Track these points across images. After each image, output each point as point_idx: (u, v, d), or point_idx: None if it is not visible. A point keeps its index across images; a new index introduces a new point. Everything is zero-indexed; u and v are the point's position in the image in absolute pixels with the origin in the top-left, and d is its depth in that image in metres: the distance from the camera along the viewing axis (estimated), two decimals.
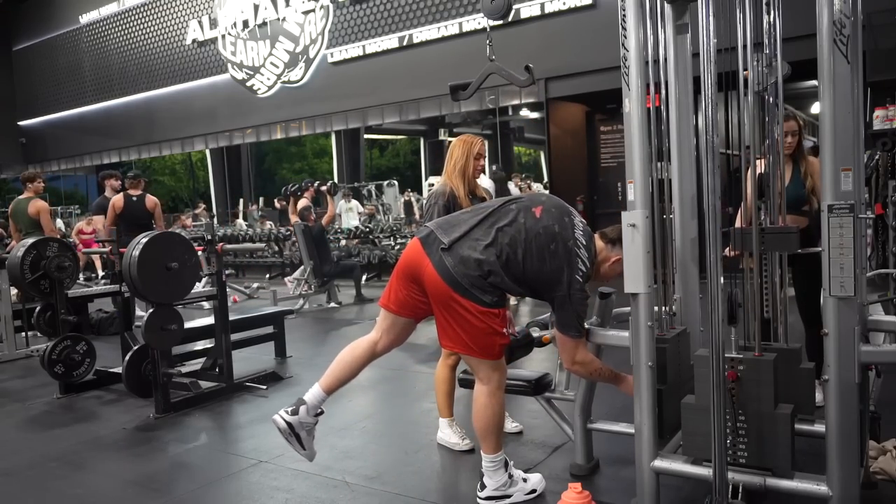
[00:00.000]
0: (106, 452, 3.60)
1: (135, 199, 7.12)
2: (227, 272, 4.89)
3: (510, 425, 3.51)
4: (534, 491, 2.74)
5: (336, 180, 14.83)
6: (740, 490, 2.24)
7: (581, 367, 2.61)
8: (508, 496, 2.68)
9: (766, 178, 2.64)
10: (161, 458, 3.48)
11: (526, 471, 2.84)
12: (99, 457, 3.54)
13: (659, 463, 2.40)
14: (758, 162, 2.65)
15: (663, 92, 2.81)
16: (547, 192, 2.67)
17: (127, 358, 4.35)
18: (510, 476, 2.70)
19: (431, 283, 2.51)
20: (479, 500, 2.69)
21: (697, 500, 2.45)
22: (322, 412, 2.72)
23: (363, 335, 2.75)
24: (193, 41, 13.94)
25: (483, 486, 2.69)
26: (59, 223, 16.33)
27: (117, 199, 7.11)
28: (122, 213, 7.03)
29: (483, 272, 2.48)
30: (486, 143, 3.52)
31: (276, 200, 14.08)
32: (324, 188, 8.40)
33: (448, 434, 3.36)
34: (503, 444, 2.71)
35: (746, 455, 2.29)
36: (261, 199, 15.51)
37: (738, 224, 3.24)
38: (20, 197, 7.02)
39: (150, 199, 7.24)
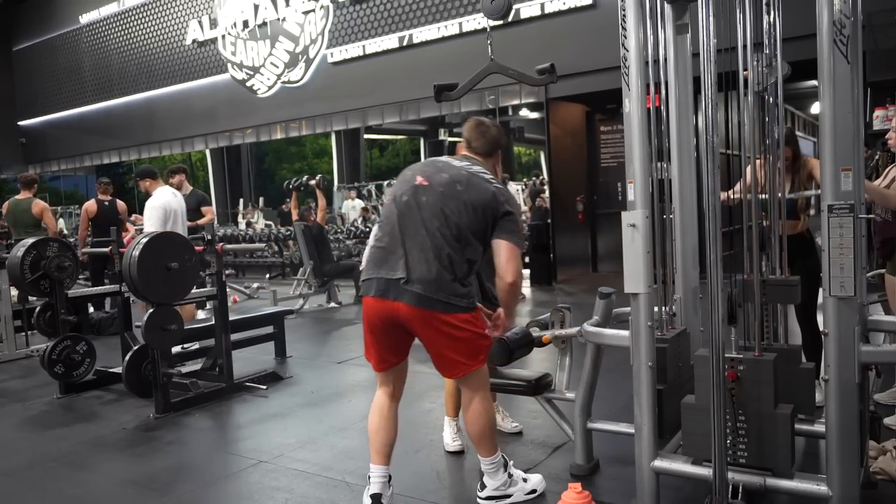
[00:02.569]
0: (106, 452, 3.60)
1: (107, 203, 7.33)
2: (226, 272, 4.89)
3: (510, 425, 3.51)
4: (534, 491, 2.73)
5: (336, 180, 14.87)
6: (740, 490, 2.24)
7: (519, 279, 2.59)
8: (508, 496, 2.68)
9: (766, 232, 2.67)
10: (161, 458, 3.48)
11: (526, 471, 2.84)
12: (99, 457, 3.54)
13: (659, 463, 2.40)
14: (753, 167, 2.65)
15: (663, 92, 2.82)
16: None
17: (127, 358, 4.35)
18: (510, 476, 2.70)
19: (414, 318, 2.46)
20: (479, 499, 2.69)
21: (697, 500, 2.45)
22: (390, 477, 2.64)
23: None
24: (193, 41, 13.93)
25: (483, 487, 2.69)
26: (62, 223, 16.35)
27: (90, 205, 7.32)
28: (95, 218, 7.23)
29: (446, 265, 2.44)
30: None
31: (283, 206, 13.93)
32: (312, 182, 8.41)
33: (445, 432, 3.36)
34: (499, 445, 2.70)
35: (746, 455, 2.29)
36: (261, 199, 15.49)
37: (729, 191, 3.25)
38: (17, 198, 7.04)
39: (121, 204, 7.52)
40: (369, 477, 2.60)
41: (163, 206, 5.52)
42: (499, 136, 2.75)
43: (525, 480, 2.74)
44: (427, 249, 2.46)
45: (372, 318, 2.55)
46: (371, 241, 2.65)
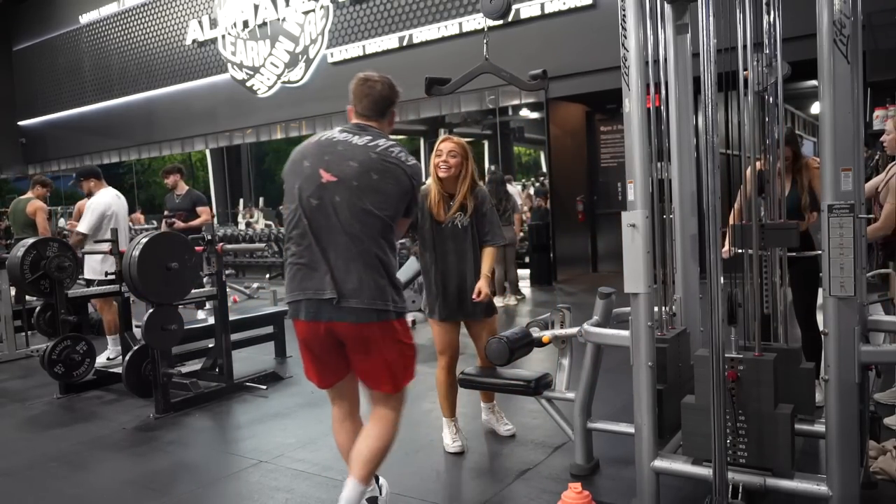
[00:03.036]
0: (106, 452, 3.60)
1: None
2: (226, 272, 4.89)
3: (503, 428, 3.49)
4: None
5: None
6: (740, 490, 2.24)
7: None
8: None
9: (766, 176, 2.66)
10: (161, 458, 3.48)
11: (523, 472, 2.82)
12: (99, 457, 3.54)
13: (659, 463, 2.40)
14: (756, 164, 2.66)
15: (663, 92, 2.82)
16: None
17: (127, 358, 4.35)
18: None
19: (356, 335, 2.26)
20: None
21: (697, 500, 2.45)
22: (377, 477, 2.56)
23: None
24: (193, 41, 13.92)
25: None
26: (62, 222, 16.34)
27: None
28: None
29: (377, 268, 2.23)
30: (455, 141, 3.25)
31: (282, 207, 13.89)
32: None
33: (445, 433, 3.36)
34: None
35: (746, 455, 2.29)
36: (261, 199, 15.49)
37: (731, 221, 3.23)
38: (21, 197, 7.07)
39: None
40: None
41: (102, 209, 5.41)
42: (387, 93, 2.40)
43: None
44: (354, 258, 2.21)
45: (308, 341, 2.33)
46: (288, 256, 2.32)
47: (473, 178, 3.26)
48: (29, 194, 7.01)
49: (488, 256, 3.25)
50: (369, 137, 2.31)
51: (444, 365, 3.32)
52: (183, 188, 6.98)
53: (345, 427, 2.48)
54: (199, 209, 6.94)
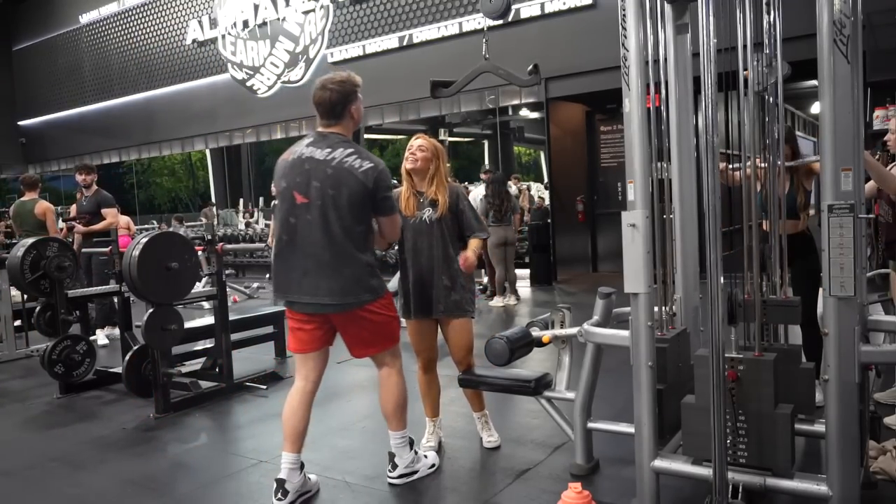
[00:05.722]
0: (106, 452, 3.60)
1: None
2: (227, 272, 4.88)
3: (486, 438, 3.34)
4: (433, 465, 3.05)
5: None
6: (740, 490, 2.24)
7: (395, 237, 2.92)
8: (416, 472, 2.95)
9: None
10: (161, 458, 3.48)
11: (524, 472, 2.83)
12: (99, 457, 3.54)
13: (659, 463, 2.40)
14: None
15: (663, 92, 2.82)
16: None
17: (127, 358, 4.35)
18: (416, 453, 2.98)
19: (342, 320, 2.75)
20: (390, 480, 2.92)
21: (697, 500, 2.45)
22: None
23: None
24: (193, 41, 13.93)
25: (395, 466, 2.92)
26: (60, 223, 16.34)
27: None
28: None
29: (342, 268, 2.60)
30: (427, 139, 3.20)
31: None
32: None
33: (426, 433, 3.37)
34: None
35: (746, 455, 2.29)
36: (261, 199, 15.51)
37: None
38: (23, 199, 7.03)
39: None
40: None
41: None
42: (336, 98, 2.65)
43: (426, 457, 3.05)
44: (328, 263, 2.62)
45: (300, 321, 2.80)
46: (275, 253, 2.75)
47: (445, 179, 3.16)
48: (31, 195, 6.96)
49: (473, 243, 3.18)
50: (328, 149, 2.61)
51: (420, 365, 3.29)
52: (93, 188, 6.63)
53: (292, 398, 2.90)
54: (104, 211, 6.51)
